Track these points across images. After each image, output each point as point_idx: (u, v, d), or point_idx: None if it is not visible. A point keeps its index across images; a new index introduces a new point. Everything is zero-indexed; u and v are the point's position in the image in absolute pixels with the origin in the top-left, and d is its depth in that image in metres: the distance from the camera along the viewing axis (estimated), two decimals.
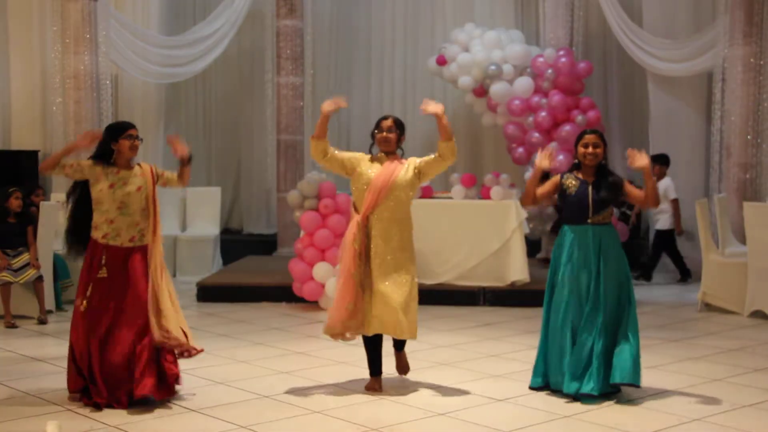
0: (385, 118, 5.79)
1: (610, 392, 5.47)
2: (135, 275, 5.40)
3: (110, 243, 5.41)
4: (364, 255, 5.58)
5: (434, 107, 5.57)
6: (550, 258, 5.74)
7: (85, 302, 5.37)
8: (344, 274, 5.56)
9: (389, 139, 5.70)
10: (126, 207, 5.43)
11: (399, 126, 5.74)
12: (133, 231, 5.44)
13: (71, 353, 5.46)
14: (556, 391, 5.55)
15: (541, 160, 5.64)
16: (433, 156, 5.70)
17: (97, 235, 5.43)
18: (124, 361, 5.30)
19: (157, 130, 11.69)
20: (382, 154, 5.75)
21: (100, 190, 5.43)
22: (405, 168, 5.66)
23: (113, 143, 5.50)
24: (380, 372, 5.74)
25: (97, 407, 5.23)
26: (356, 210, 5.67)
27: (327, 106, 5.67)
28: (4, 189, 8.19)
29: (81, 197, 5.56)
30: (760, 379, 6.04)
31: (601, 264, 5.50)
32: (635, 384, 5.45)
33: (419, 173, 5.68)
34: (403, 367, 5.93)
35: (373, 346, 5.73)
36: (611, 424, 4.97)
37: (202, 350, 5.60)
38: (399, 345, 5.86)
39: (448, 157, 5.63)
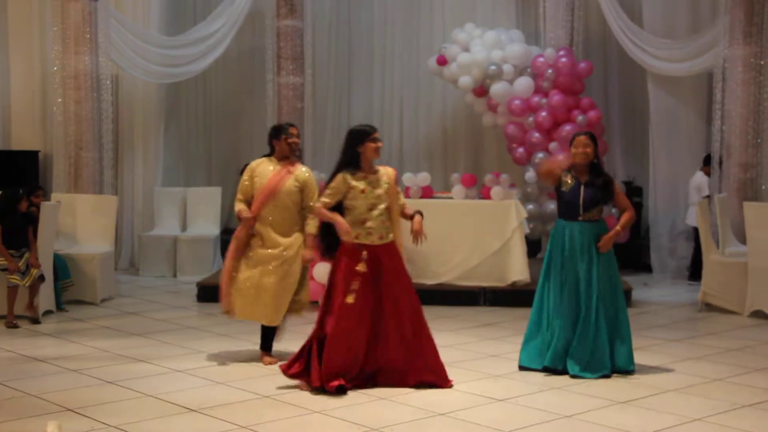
0: (292, 125, 6.55)
1: (604, 374, 6.00)
2: (392, 270, 5.73)
3: (363, 242, 5.69)
4: (243, 248, 6.34)
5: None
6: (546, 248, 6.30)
7: (352, 296, 5.62)
8: (225, 263, 6.43)
9: (294, 144, 6.45)
10: (375, 208, 5.70)
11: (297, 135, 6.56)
12: (382, 229, 5.73)
13: (314, 344, 5.70)
14: (546, 370, 6.06)
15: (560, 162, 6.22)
16: (311, 212, 6.31)
17: (349, 236, 5.68)
18: (402, 350, 5.69)
19: (157, 130, 11.71)
20: (278, 158, 6.46)
21: (353, 197, 5.71)
22: (293, 177, 6.37)
23: (359, 147, 5.75)
24: (269, 347, 6.57)
25: (341, 391, 5.55)
26: (249, 206, 6.40)
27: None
28: (14, 190, 8.19)
29: (337, 209, 5.81)
30: (761, 379, 6.04)
31: (592, 256, 6.03)
32: (632, 370, 6.07)
33: (301, 191, 6.37)
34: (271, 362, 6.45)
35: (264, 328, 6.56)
36: (611, 424, 4.97)
37: None
38: (266, 345, 6.54)
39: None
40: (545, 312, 6.16)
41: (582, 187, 6.07)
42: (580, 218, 6.06)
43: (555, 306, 6.09)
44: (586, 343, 5.99)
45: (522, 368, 6.20)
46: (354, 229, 5.69)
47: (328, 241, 5.87)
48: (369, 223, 5.70)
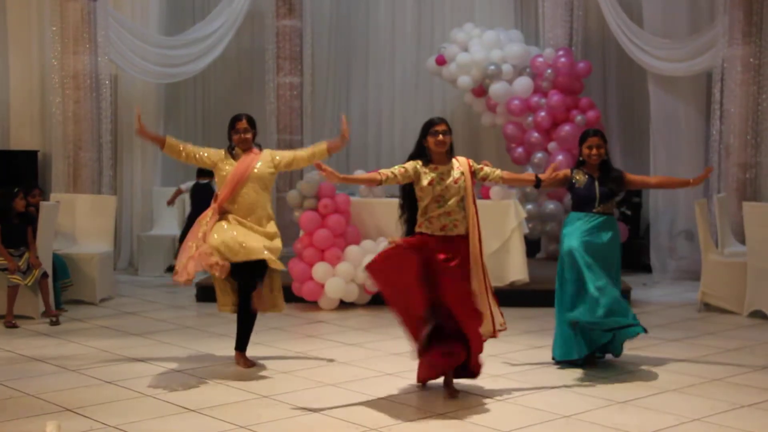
0: (239, 119, 6.34)
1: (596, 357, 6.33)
2: (446, 270, 5.46)
3: (423, 231, 5.55)
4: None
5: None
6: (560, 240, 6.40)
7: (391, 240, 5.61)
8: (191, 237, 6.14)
9: (246, 139, 6.29)
10: (443, 199, 5.54)
11: (253, 125, 6.36)
12: (444, 220, 5.53)
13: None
14: (587, 358, 6.24)
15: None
16: (301, 152, 6.40)
17: (418, 228, 5.61)
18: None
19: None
20: (239, 150, 6.31)
21: (421, 188, 5.56)
22: (261, 160, 6.26)
23: (423, 140, 5.65)
24: (244, 348, 6.37)
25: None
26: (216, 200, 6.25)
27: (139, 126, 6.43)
28: (8, 189, 8.19)
29: (410, 198, 5.68)
30: (760, 378, 6.05)
31: (604, 246, 6.19)
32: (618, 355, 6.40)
33: (276, 167, 6.32)
34: (246, 364, 6.32)
35: (241, 322, 6.35)
36: (610, 424, 4.97)
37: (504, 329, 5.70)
38: (241, 345, 6.36)
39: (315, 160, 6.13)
40: (569, 298, 6.15)
41: (596, 182, 6.26)
42: (595, 210, 6.24)
43: (592, 279, 6.01)
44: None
45: (557, 362, 6.30)
46: (419, 218, 5.56)
47: (407, 218, 5.71)
48: (431, 213, 5.52)
